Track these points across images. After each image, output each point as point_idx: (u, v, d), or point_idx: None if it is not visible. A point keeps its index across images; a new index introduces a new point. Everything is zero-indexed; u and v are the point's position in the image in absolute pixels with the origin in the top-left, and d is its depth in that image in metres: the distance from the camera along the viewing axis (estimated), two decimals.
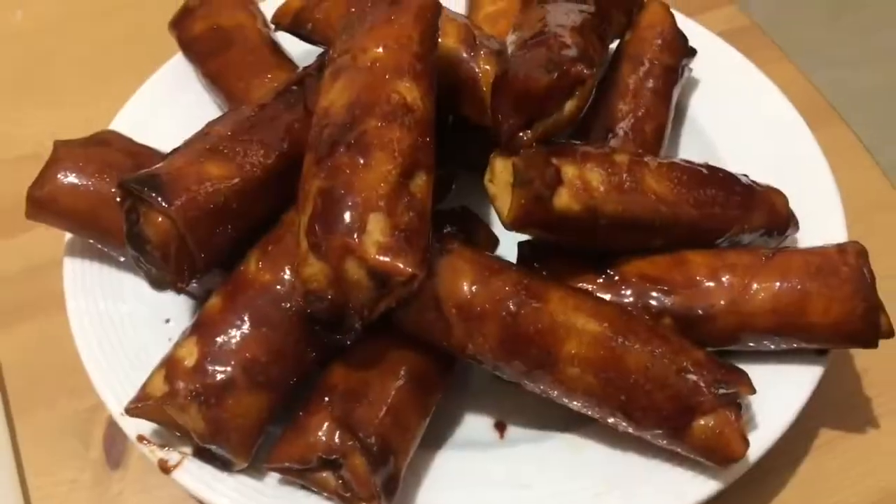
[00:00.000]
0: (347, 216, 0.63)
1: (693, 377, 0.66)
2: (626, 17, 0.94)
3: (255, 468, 0.69)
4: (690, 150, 0.94)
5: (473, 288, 0.67)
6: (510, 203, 0.69)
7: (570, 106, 0.71)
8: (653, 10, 0.94)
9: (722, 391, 0.66)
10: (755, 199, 0.78)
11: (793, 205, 0.82)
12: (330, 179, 0.65)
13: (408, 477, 0.68)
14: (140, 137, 0.87)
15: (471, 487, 0.69)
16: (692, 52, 0.95)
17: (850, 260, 0.72)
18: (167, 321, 0.79)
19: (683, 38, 0.94)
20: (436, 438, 0.73)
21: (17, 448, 0.81)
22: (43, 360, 0.86)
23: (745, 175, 0.82)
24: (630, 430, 0.68)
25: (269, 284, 0.69)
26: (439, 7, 0.76)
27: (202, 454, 0.68)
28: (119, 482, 0.79)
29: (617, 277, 0.74)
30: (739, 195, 0.77)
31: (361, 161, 0.65)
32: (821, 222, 0.82)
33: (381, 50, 0.71)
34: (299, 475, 0.67)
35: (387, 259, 0.61)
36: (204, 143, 0.71)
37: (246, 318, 0.68)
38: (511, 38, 0.79)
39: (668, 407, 0.65)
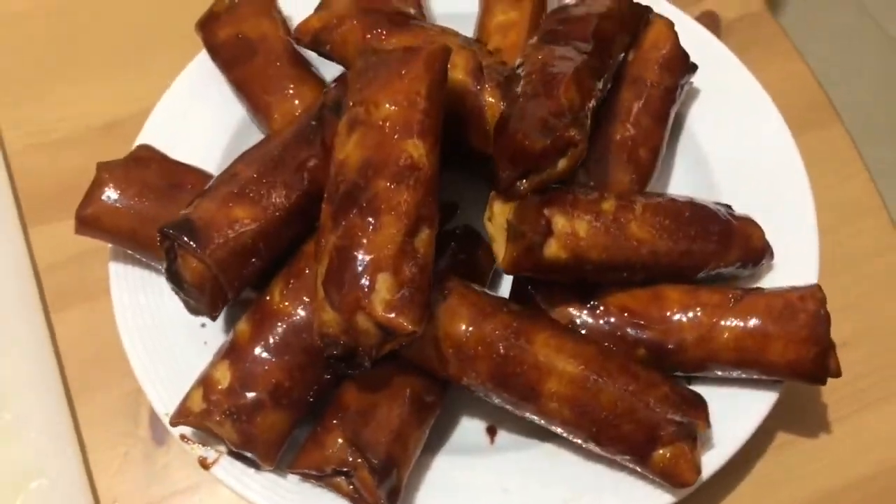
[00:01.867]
0: (359, 275, 0.72)
1: (657, 412, 0.76)
2: (631, 36, 0.98)
3: (280, 468, 0.81)
4: (684, 158, 1.01)
5: (468, 331, 0.77)
6: (504, 252, 0.77)
7: (562, 164, 0.78)
8: (657, 30, 0.98)
9: (681, 425, 0.76)
10: (732, 236, 0.85)
11: (772, 227, 0.89)
12: (344, 238, 0.73)
13: (408, 482, 0.80)
14: (172, 138, 0.96)
15: (459, 491, 0.81)
16: (693, 69, 0.99)
17: (809, 306, 0.80)
18: (203, 325, 0.89)
19: (685, 56, 0.98)
20: (431, 443, 0.84)
21: (77, 425, 0.94)
22: (93, 344, 0.98)
23: (726, 207, 0.89)
24: (600, 451, 0.79)
25: (291, 316, 0.79)
26: (448, 52, 0.82)
27: (235, 454, 0.81)
28: (164, 456, 0.92)
29: (601, 309, 0.83)
30: (717, 234, 0.84)
31: (372, 224, 0.73)
32: (795, 255, 0.90)
33: (392, 107, 0.77)
34: (317, 479, 0.79)
35: (392, 316, 0.71)
36: (231, 187, 0.80)
37: (272, 347, 0.78)
38: (519, 71, 0.85)
39: (633, 438, 0.76)
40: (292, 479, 0.81)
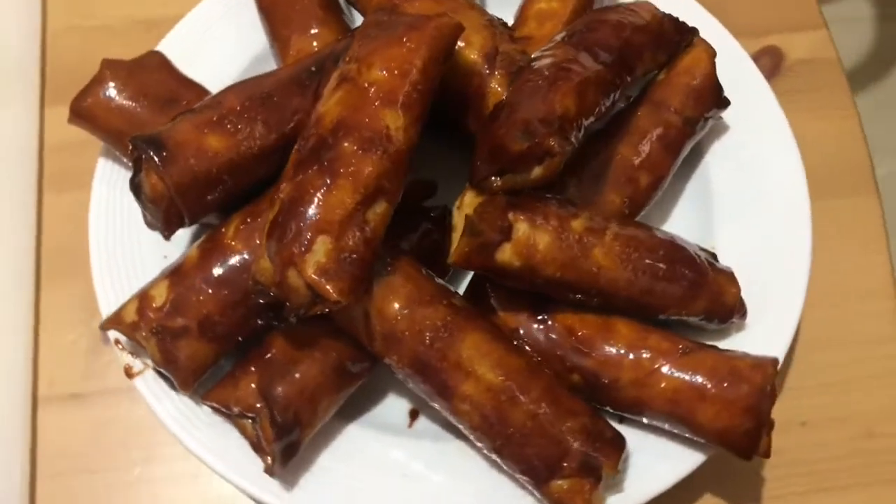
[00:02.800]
0: (300, 232, 0.71)
1: (567, 441, 0.74)
2: (668, 55, 0.93)
3: (196, 397, 0.82)
4: (690, 187, 0.97)
5: (401, 312, 0.75)
6: (456, 245, 0.76)
7: (537, 172, 0.75)
8: (695, 55, 0.93)
9: (588, 461, 0.74)
10: (703, 287, 0.82)
11: (758, 288, 0.85)
12: (297, 191, 0.73)
13: (310, 448, 0.81)
14: (190, 52, 0.97)
15: (359, 465, 0.81)
16: (724, 105, 0.94)
17: (756, 378, 0.76)
18: (167, 239, 0.90)
19: (718, 89, 0.93)
20: (351, 410, 0.85)
21: (38, 305, 0.97)
22: (76, 232, 0.99)
23: (710, 255, 0.85)
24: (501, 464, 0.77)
25: (238, 253, 0.79)
26: (459, 30, 0.79)
27: (160, 372, 0.82)
28: (108, 355, 0.95)
29: (548, 324, 0.81)
30: (688, 280, 0.81)
31: (327, 184, 0.72)
32: (773, 323, 0.86)
33: (382, 72, 0.75)
34: (226, 416, 0.80)
35: (322, 280, 0.70)
36: (213, 113, 0.79)
37: (213, 279, 0.79)
38: (533, 64, 0.82)
39: (534, 462, 0.74)
40: (207, 411, 0.82)
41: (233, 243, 0.80)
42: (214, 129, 0.79)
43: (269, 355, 0.79)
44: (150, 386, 0.83)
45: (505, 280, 0.79)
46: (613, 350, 0.79)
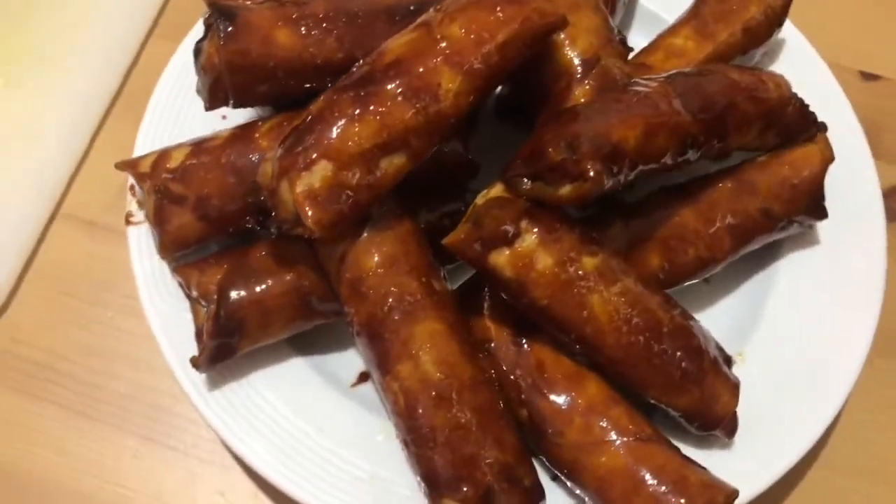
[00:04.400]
0: (309, 149, 0.69)
1: (478, 469, 0.69)
2: (781, 139, 0.84)
3: (172, 269, 0.82)
4: (748, 277, 0.88)
5: (376, 269, 0.72)
6: (456, 230, 0.72)
7: (566, 190, 0.69)
8: (809, 151, 0.84)
9: (489, 495, 0.69)
10: (697, 385, 0.74)
11: (770, 421, 0.77)
12: (325, 109, 0.70)
13: (251, 359, 0.79)
14: None
15: (283, 401, 0.79)
16: (820, 215, 0.84)
17: (699, 500, 0.68)
18: (224, 117, 0.91)
19: (818, 197, 0.83)
20: (306, 346, 0.83)
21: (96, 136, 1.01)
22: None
23: (725, 357, 0.77)
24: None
25: (259, 151, 0.78)
26: (560, 23, 0.74)
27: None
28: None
29: (522, 348, 0.75)
30: (682, 371, 0.73)
31: (356, 114, 0.69)
32: (764, 452, 0.77)
33: (461, 31, 0.72)
34: (186, 296, 0.80)
35: (305, 203, 0.68)
36: (294, 10, 0.78)
37: (227, 164, 0.78)
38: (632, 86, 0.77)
39: (437, 471, 0.70)
40: (175, 285, 0.82)
41: (259, 139, 0.79)
42: (289, 25, 0.78)
43: (246, 257, 0.78)
44: (139, 239, 0.84)
45: (492, 285, 0.74)
46: (572, 403, 0.73)
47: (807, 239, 0.88)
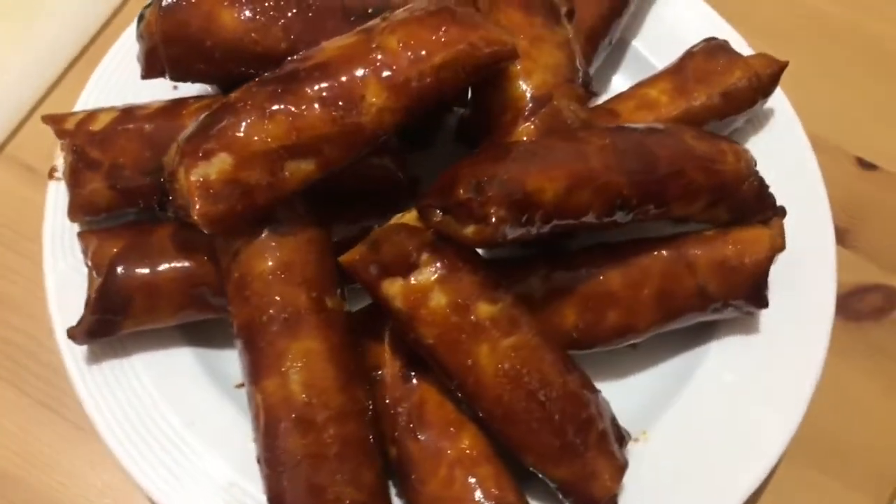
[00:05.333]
0: (211, 138, 0.66)
1: (328, 498, 0.66)
2: (731, 216, 0.79)
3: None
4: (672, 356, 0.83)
5: (265, 275, 0.69)
6: (354, 249, 0.68)
7: (469, 230, 0.65)
8: (759, 235, 0.78)
9: None
10: (576, 458, 0.69)
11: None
12: (242, 99, 0.67)
13: (138, 340, 0.77)
14: None
15: (166, 394, 0.76)
16: (760, 304, 0.79)
17: None
18: (175, 87, 0.88)
19: (760, 287, 0.78)
20: (199, 338, 0.80)
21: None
22: None
23: (616, 430, 0.72)
24: None
25: (181, 129, 0.75)
26: (507, 54, 0.70)
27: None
28: None
29: (410, 383, 0.72)
30: (563, 442, 0.69)
31: (269, 110, 0.66)
32: None
33: (398, 45, 0.68)
34: (84, 262, 0.77)
35: (195, 194, 0.65)
36: None
37: (149, 136, 0.76)
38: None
39: (287, 497, 0.67)
40: (78, 250, 0.80)
41: (185, 117, 0.76)
42: (235, 6, 0.74)
43: (148, 236, 0.76)
44: (56, 194, 0.82)
45: (382, 313, 0.70)
46: (441, 452, 0.69)
47: (745, 325, 0.83)
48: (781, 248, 0.78)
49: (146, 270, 0.74)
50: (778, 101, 0.92)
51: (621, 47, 0.98)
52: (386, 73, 0.68)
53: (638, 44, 0.98)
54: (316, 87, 0.67)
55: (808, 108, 1.00)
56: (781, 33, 1.10)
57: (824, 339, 0.82)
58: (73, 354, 0.76)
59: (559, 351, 0.72)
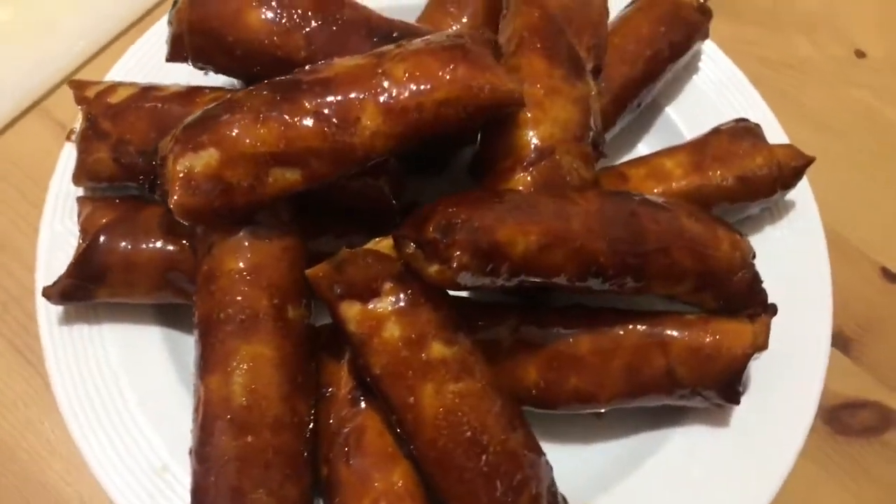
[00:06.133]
0: (205, 131, 0.67)
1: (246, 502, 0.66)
2: (717, 304, 0.77)
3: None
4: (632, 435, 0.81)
5: (232, 273, 0.69)
6: (320, 265, 0.68)
7: (433, 269, 0.65)
8: (741, 330, 0.75)
9: None
10: None
11: None
12: (242, 99, 0.69)
13: (112, 309, 0.79)
14: None
15: (129, 370, 0.78)
16: (732, 399, 0.76)
17: None
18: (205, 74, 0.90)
19: (733, 383, 0.75)
20: (172, 318, 0.81)
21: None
22: None
23: (552, 496, 0.70)
24: None
25: (186, 116, 0.76)
26: (511, 102, 0.70)
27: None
28: None
29: (356, 406, 0.72)
30: (491, 499, 0.67)
31: (264, 115, 0.67)
32: None
33: (403, 74, 0.68)
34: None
35: (176, 183, 0.67)
36: None
37: (158, 118, 0.78)
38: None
39: (209, 494, 0.67)
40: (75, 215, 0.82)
41: (197, 105, 0.77)
42: (263, 7, 0.76)
43: (138, 212, 0.78)
44: (68, 156, 0.85)
45: (338, 332, 0.70)
46: (369, 482, 0.68)
47: (715, 416, 0.80)
48: (763, 347, 0.75)
49: (128, 245, 0.75)
50: (802, 195, 0.90)
51: (654, 111, 0.97)
52: (385, 99, 0.68)
53: (672, 111, 0.96)
54: (315, 102, 0.68)
55: (838, 206, 0.97)
56: (826, 124, 1.07)
57: (795, 446, 0.78)
58: (47, 311, 0.78)
59: (510, 406, 0.70)
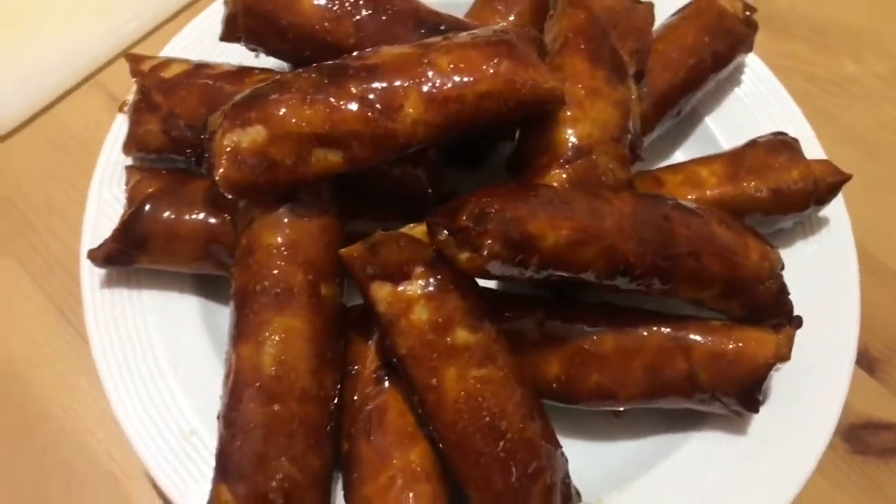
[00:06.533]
0: (255, 108, 0.70)
1: (268, 470, 0.68)
2: (743, 310, 0.77)
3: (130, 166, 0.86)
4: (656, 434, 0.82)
5: (270, 248, 0.72)
6: (355, 245, 0.70)
7: (463, 256, 0.67)
8: (765, 339, 0.76)
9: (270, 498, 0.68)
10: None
11: None
12: (291, 80, 0.71)
13: (152, 276, 0.82)
14: None
15: (162, 330, 0.81)
16: (751, 407, 0.77)
17: None
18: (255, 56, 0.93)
19: (753, 390, 0.76)
20: (212, 289, 0.84)
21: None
22: None
23: (566, 487, 0.72)
24: None
25: (235, 95, 0.78)
26: (552, 99, 0.72)
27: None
28: None
29: (380, 384, 0.74)
30: (506, 484, 0.68)
31: (312, 98, 0.69)
32: None
33: (448, 65, 0.70)
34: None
35: (222, 156, 0.69)
36: None
37: (209, 94, 0.81)
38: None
39: (233, 459, 0.69)
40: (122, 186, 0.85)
41: (245, 85, 0.80)
42: None
43: (185, 184, 0.80)
44: (119, 127, 0.88)
45: (368, 312, 0.72)
46: (387, 459, 0.70)
47: (734, 424, 0.80)
48: (786, 358, 0.76)
49: (171, 215, 0.78)
50: (836, 211, 0.90)
51: (693, 120, 0.97)
52: (428, 89, 0.70)
53: (711, 121, 0.97)
54: (361, 87, 0.70)
55: (873, 226, 0.96)
56: (866, 142, 1.07)
57: (811, 461, 0.78)
58: (91, 274, 0.81)
59: (530, 396, 0.72)
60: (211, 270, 0.81)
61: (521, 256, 0.66)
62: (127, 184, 0.81)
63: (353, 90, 0.70)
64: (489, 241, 0.65)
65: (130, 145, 0.84)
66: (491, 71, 0.70)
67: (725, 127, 0.97)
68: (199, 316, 0.83)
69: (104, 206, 0.84)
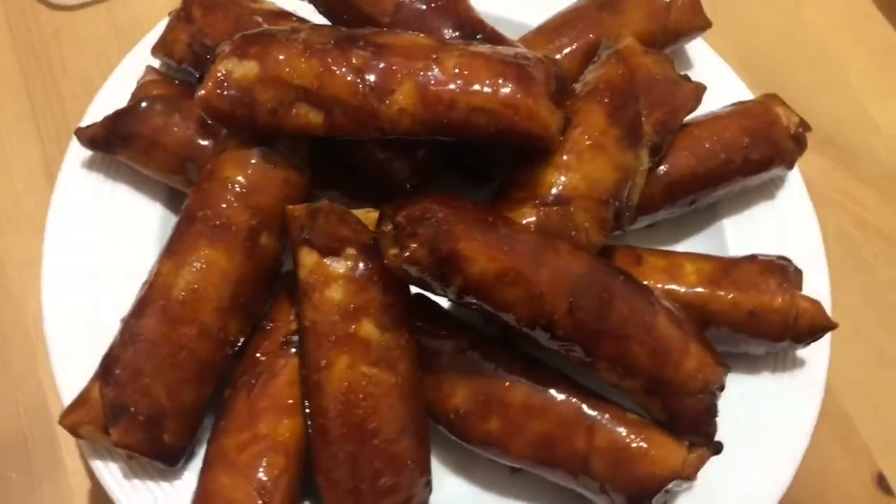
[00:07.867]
0: (257, 44, 0.71)
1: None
2: (669, 422, 0.73)
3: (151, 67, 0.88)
4: None
5: (225, 180, 0.72)
6: (297, 206, 0.70)
7: (392, 251, 0.66)
8: (673, 452, 0.72)
9: None
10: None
11: None
12: (300, 31, 0.72)
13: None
14: None
15: (117, 217, 0.83)
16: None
17: None
18: None
19: (641, 499, 0.72)
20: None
21: None
22: None
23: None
24: None
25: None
26: (544, 141, 0.70)
27: None
28: None
29: (286, 349, 0.73)
30: (355, 489, 0.67)
31: (309, 51, 0.70)
32: None
33: (454, 68, 0.70)
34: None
35: (211, 78, 0.70)
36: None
37: (241, 25, 0.82)
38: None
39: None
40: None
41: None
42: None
43: (188, 98, 0.81)
44: (158, 31, 0.90)
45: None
46: (256, 419, 0.70)
47: None
48: (689, 478, 0.71)
49: (162, 122, 0.80)
50: (817, 359, 0.83)
51: (710, 217, 0.93)
52: (424, 83, 0.69)
53: (728, 224, 0.92)
54: (359, 59, 0.70)
55: (862, 392, 0.90)
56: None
57: None
58: (77, 151, 0.84)
59: (417, 415, 0.70)
60: (181, 186, 0.82)
61: (443, 271, 0.65)
62: (140, 79, 0.84)
63: (354, 60, 0.70)
64: (414, 245, 0.64)
65: (158, 48, 0.86)
66: (491, 88, 0.69)
67: (740, 237, 0.91)
68: (158, 226, 0.84)
69: (112, 99, 0.86)
